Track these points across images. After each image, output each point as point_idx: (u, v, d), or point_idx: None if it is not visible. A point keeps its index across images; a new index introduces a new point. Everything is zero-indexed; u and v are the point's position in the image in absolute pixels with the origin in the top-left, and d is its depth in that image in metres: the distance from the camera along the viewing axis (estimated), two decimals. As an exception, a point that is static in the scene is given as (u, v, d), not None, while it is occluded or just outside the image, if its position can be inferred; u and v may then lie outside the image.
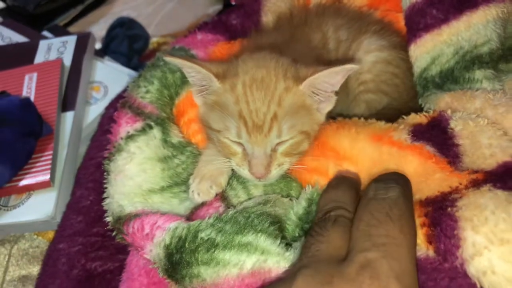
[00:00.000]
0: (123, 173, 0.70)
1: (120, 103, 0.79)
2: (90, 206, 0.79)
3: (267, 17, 0.96)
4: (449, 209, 0.54)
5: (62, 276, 0.72)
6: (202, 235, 0.57)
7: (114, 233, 0.68)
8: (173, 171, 0.73)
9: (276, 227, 0.59)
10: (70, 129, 0.91)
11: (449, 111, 0.67)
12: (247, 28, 0.94)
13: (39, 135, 0.85)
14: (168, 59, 0.71)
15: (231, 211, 0.61)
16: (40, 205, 0.81)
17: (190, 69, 0.70)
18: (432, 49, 0.76)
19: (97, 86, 1.03)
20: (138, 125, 0.74)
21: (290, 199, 0.67)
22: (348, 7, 0.93)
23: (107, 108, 0.94)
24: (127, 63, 1.15)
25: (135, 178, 0.70)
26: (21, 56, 1.05)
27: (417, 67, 0.79)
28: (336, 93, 0.69)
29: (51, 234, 0.83)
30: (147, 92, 0.78)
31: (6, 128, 0.81)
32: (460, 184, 0.57)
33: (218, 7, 1.36)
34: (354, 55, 0.83)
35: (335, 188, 0.59)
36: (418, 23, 0.77)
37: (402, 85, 0.84)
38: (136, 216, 0.65)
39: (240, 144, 0.67)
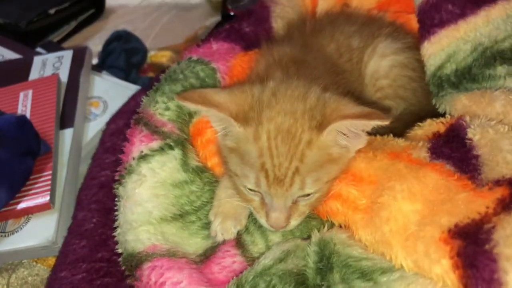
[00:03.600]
0: (133, 198, 0.66)
1: (134, 119, 0.74)
2: (93, 229, 0.74)
3: (277, 24, 0.93)
4: (486, 246, 0.48)
5: (65, 307, 0.67)
6: None
7: (123, 269, 0.63)
8: (187, 198, 0.69)
9: None
10: (70, 147, 0.86)
11: (467, 118, 0.64)
12: (260, 35, 0.91)
13: (37, 154, 0.80)
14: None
15: (251, 275, 0.57)
16: (39, 229, 0.76)
17: (208, 113, 0.64)
18: (447, 45, 0.73)
19: (96, 102, 0.99)
20: (155, 144, 0.69)
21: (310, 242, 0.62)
22: (357, 12, 0.91)
23: (108, 124, 0.90)
24: (125, 78, 1.11)
25: (144, 204, 0.65)
26: (15, 73, 1.01)
27: (431, 65, 0.76)
28: (368, 133, 0.63)
29: (52, 261, 0.77)
30: (167, 109, 0.73)
31: (2, 147, 0.76)
32: (488, 208, 0.52)
33: (216, 19, 1.34)
34: (369, 61, 0.80)
35: None
36: (433, 19, 0.74)
37: (419, 88, 0.81)
38: (147, 258, 0.60)
39: (258, 193, 0.62)
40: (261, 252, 0.64)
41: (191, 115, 0.76)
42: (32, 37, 1.24)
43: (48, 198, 0.77)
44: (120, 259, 0.65)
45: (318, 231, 0.62)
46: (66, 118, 0.91)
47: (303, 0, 0.98)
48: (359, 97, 0.67)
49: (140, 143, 0.70)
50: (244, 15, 0.95)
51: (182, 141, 0.71)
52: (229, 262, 0.63)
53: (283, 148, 0.59)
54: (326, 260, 0.57)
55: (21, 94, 0.93)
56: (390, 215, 0.55)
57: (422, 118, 0.71)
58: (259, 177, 0.60)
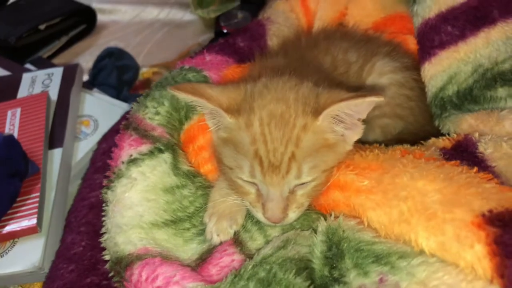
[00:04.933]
0: (122, 202, 0.64)
1: (123, 125, 0.72)
2: (82, 253, 0.71)
3: (272, 41, 0.93)
4: None
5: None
6: None
7: (111, 274, 0.60)
8: (179, 203, 0.66)
9: (303, 275, 0.53)
10: (59, 167, 0.83)
11: (476, 135, 0.63)
12: (254, 50, 0.90)
13: (25, 176, 0.77)
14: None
15: (250, 264, 0.55)
16: (26, 254, 0.73)
17: (197, 103, 0.63)
18: (448, 67, 0.73)
19: (87, 120, 0.96)
20: (144, 148, 0.67)
21: (313, 231, 0.61)
22: (354, 30, 0.91)
23: (100, 143, 0.88)
24: (116, 95, 1.09)
25: (135, 207, 0.63)
26: (3, 91, 0.98)
27: (432, 87, 0.75)
28: (363, 121, 0.62)
29: (38, 287, 0.74)
30: (157, 113, 0.72)
31: (-13, 169, 0.73)
32: None
33: (209, 36, 1.32)
34: (367, 78, 0.78)
35: None
36: (433, 41, 0.73)
37: (417, 108, 0.80)
38: (138, 258, 0.58)
39: (253, 184, 0.61)
40: (261, 248, 0.61)
41: (181, 121, 0.74)
42: (22, 53, 1.21)
43: (35, 221, 0.74)
44: (106, 265, 0.62)
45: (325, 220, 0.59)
46: (55, 138, 0.88)
47: (299, 20, 0.98)
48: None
49: (129, 147, 0.68)
50: (239, 32, 0.94)
51: (172, 145, 0.70)
52: (227, 261, 0.60)
53: (277, 133, 0.58)
54: (336, 247, 0.55)
55: (9, 113, 0.90)
56: (408, 194, 0.53)
57: (422, 139, 0.70)
58: (253, 166, 0.58)
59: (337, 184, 0.60)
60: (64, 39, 1.32)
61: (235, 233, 0.63)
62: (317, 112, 0.59)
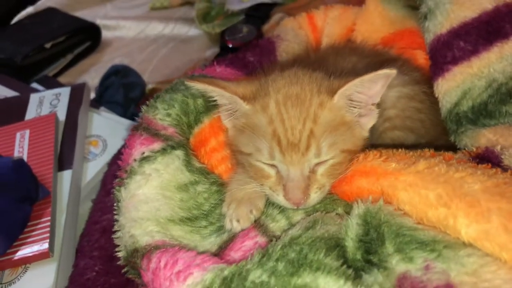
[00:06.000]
0: (137, 197, 0.63)
1: (133, 127, 0.73)
2: (96, 278, 0.71)
3: (282, 57, 0.94)
4: None
5: None
6: (252, 277, 0.49)
7: (124, 270, 0.60)
8: (193, 201, 0.66)
9: (335, 253, 0.51)
10: (69, 190, 0.82)
11: (498, 147, 0.62)
12: (264, 64, 0.90)
13: (35, 200, 0.77)
14: (190, 83, 0.65)
15: (278, 245, 0.53)
16: (38, 279, 0.72)
17: (215, 93, 0.65)
18: (462, 82, 0.72)
19: (95, 141, 0.95)
20: (156, 145, 0.67)
21: (337, 214, 0.60)
22: (362, 45, 0.91)
23: (110, 165, 0.87)
24: (123, 113, 1.09)
25: (150, 202, 0.62)
26: (11, 112, 0.98)
27: (447, 102, 0.74)
28: (378, 105, 0.64)
29: (51, 313, 0.73)
30: (168, 115, 0.72)
31: (-2, 194, 0.72)
32: None
33: (215, 50, 1.33)
34: None
35: None
36: (445, 56, 0.73)
37: (427, 120, 0.79)
38: (157, 248, 0.56)
39: (273, 166, 0.61)
40: (284, 229, 0.60)
41: (190, 125, 0.74)
42: (28, 72, 1.21)
43: (47, 246, 0.73)
44: (120, 261, 0.61)
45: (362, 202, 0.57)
46: (64, 159, 0.87)
47: (308, 37, 0.98)
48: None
49: (140, 146, 0.68)
50: (248, 48, 0.95)
51: (184, 144, 0.69)
52: (250, 244, 0.59)
53: (294, 111, 0.59)
54: (375, 231, 0.53)
55: (18, 135, 0.89)
56: (446, 180, 0.52)
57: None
58: (272, 146, 0.59)
59: (362, 170, 0.60)
60: (69, 57, 1.33)
61: (255, 220, 0.62)
62: (332, 92, 0.60)
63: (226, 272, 0.50)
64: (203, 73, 0.83)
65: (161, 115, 0.72)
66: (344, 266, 0.50)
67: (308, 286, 0.48)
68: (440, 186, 0.51)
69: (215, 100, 0.67)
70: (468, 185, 0.50)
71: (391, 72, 0.58)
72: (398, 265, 0.50)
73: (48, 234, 0.74)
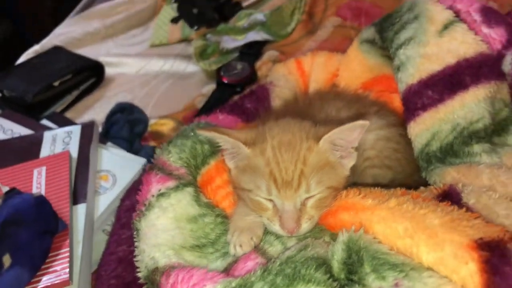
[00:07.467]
0: (155, 227, 0.75)
1: (148, 167, 0.85)
2: (114, 303, 0.79)
3: (275, 102, 1.05)
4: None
5: None
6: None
7: (146, 287, 0.70)
8: (202, 231, 0.77)
9: (323, 269, 0.63)
10: (84, 222, 0.90)
11: (460, 185, 0.73)
12: (260, 111, 1.04)
13: (55, 232, 0.85)
14: (201, 132, 0.79)
15: (277, 262, 0.65)
16: (59, 305, 0.80)
17: (221, 140, 0.76)
18: (431, 125, 0.83)
19: (105, 175, 1.04)
20: (171, 183, 0.79)
21: (324, 241, 0.71)
22: (345, 91, 1.02)
23: (122, 200, 0.95)
24: (129, 147, 1.17)
25: (167, 231, 0.74)
26: (27, 150, 1.06)
27: (418, 143, 0.84)
28: (357, 148, 0.76)
29: (71, 338, 0.81)
30: (180, 158, 0.84)
31: (23, 228, 0.80)
32: (506, 233, 0.60)
33: (211, 86, 1.41)
34: None
35: None
36: (416, 103, 0.84)
37: (403, 159, 0.89)
38: (173, 268, 0.68)
39: (270, 200, 0.72)
40: (280, 252, 0.71)
41: (198, 167, 0.86)
42: (38, 109, 1.30)
43: (67, 275, 0.80)
44: (140, 277, 0.72)
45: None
46: (78, 194, 0.95)
47: (297, 81, 1.09)
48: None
49: (157, 183, 0.80)
50: (246, 94, 1.08)
51: (192, 182, 0.82)
52: (251, 265, 0.69)
53: (287, 155, 0.71)
54: (356, 255, 0.63)
55: (35, 171, 0.98)
56: (412, 216, 0.63)
57: (410, 188, 0.79)
58: (269, 184, 0.71)
59: (344, 205, 0.71)
60: (75, 93, 1.41)
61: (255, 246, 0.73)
62: (318, 138, 0.72)
63: (233, 284, 0.62)
64: (208, 120, 0.95)
65: (173, 158, 0.84)
66: (331, 279, 0.63)
67: None
68: (407, 221, 0.63)
69: (219, 146, 0.78)
70: (429, 220, 0.62)
71: (365, 123, 0.70)
72: (373, 282, 0.61)
73: (67, 264, 0.82)
